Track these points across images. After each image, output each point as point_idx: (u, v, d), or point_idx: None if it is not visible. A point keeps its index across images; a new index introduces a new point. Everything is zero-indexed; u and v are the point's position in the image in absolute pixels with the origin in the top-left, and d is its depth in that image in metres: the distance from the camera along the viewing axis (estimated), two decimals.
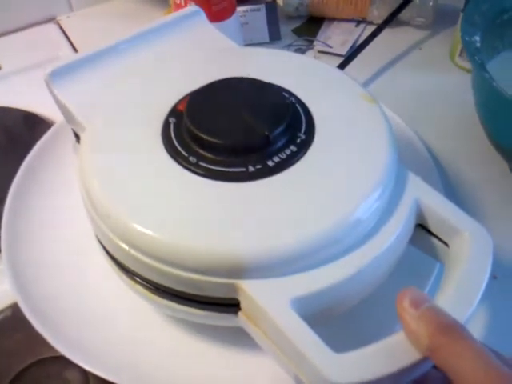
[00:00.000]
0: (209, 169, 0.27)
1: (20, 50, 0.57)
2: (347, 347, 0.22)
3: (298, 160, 0.28)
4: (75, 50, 0.57)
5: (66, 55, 0.54)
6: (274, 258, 0.24)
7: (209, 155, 0.27)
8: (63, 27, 0.60)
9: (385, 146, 0.28)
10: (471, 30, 0.37)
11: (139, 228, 0.25)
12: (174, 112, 0.30)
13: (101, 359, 0.29)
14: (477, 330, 0.32)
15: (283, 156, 0.28)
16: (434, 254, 0.29)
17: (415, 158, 0.39)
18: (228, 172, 0.27)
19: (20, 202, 0.38)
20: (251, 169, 0.27)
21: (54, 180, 0.39)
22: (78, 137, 0.33)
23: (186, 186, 0.27)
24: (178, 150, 0.28)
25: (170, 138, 0.29)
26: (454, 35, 0.53)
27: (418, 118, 0.45)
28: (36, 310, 0.31)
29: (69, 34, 0.59)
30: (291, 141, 0.28)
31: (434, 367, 0.22)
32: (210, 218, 0.25)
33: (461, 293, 0.24)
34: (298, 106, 0.30)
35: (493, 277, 0.35)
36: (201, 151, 0.28)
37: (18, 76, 0.53)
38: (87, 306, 0.32)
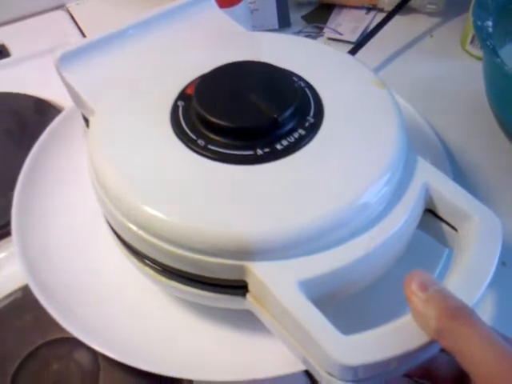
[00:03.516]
0: (217, 152, 0.27)
1: (30, 36, 0.57)
2: (355, 329, 0.22)
3: (307, 143, 0.27)
4: (84, 36, 0.57)
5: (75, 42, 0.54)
6: (282, 239, 0.24)
7: (217, 138, 0.27)
8: (72, 14, 0.60)
9: (394, 130, 0.28)
10: (483, 14, 0.36)
11: (148, 210, 0.25)
12: (182, 95, 0.30)
13: (110, 340, 0.29)
14: (486, 317, 0.32)
15: (292, 139, 0.27)
16: (442, 239, 0.29)
17: (424, 144, 0.38)
18: (236, 155, 0.27)
19: (30, 186, 0.38)
20: (259, 152, 0.27)
21: (64, 164, 0.40)
22: (87, 121, 0.33)
23: (194, 169, 0.27)
24: (186, 132, 0.28)
25: (179, 121, 0.29)
26: (465, 22, 0.52)
27: (428, 105, 0.44)
28: (46, 291, 0.32)
29: (78, 21, 0.59)
30: (300, 124, 0.28)
31: (442, 350, 0.22)
32: (219, 200, 0.25)
33: (469, 276, 0.24)
34: (307, 89, 0.30)
35: (502, 263, 0.34)
36: (209, 134, 0.28)
37: (27, 62, 0.53)
38: (97, 287, 0.33)
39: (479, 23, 0.36)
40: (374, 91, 0.31)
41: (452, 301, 0.21)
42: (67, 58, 0.33)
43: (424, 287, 0.21)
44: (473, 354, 0.19)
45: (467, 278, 0.24)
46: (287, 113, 0.28)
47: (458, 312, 0.20)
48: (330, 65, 0.33)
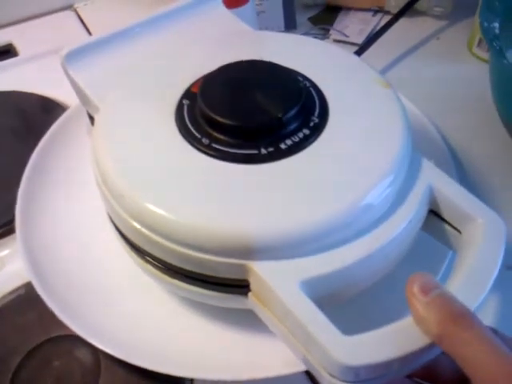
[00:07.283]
0: (221, 150, 0.27)
1: (37, 36, 0.58)
2: (357, 330, 0.22)
3: (311, 143, 0.27)
4: None
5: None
6: (285, 239, 0.24)
7: (221, 137, 0.27)
8: (80, 15, 0.61)
9: (399, 130, 0.28)
10: (491, 16, 0.36)
11: (152, 207, 0.25)
12: (188, 94, 0.30)
13: (111, 338, 0.29)
14: (488, 320, 0.32)
15: (296, 139, 0.27)
16: (446, 241, 0.28)
17: (429, 146, 0.38)
18: (240, 154, 0.27)
19: (34, 184, 0.38)
20: (263, 151, 0.27)
21: (68, 162, 0.40)
22: (92, 119, 0.33)
23: (198, 167, 0.27)
24: (191, 131, 0.28)
25: (184, 119, 0.29)
26: (472, 25, 0.52)
27: (434, 107, 0.44)
28: (49, 288, 0.32)
29: (86, 22, 0.59)
30: (304, 124, 0.28)
31: (444, 352, 0.22)
32: (222, 198, 0.25)
33: (472, 279, 0.24)
34: (311, 89, 0.30)
35: (506, 267, 0.34)
36: (213, 133, 0.28)
37: (34, 62, 0.54)
38: (100, 285, 0.33)
39: (486, 24, 0.36)
40: (378, 91, 0.31)
41: (453, 305, 0.20)
42: (73, 56, 0.33)
43: (425, 290, 0.21)
44: (474, 360, 0.19)
45: (470, 280, 0.24)
46: (292, 112, 0.28)
47: (459, 317, 0.20)
48: (335, 65, 0.33)
